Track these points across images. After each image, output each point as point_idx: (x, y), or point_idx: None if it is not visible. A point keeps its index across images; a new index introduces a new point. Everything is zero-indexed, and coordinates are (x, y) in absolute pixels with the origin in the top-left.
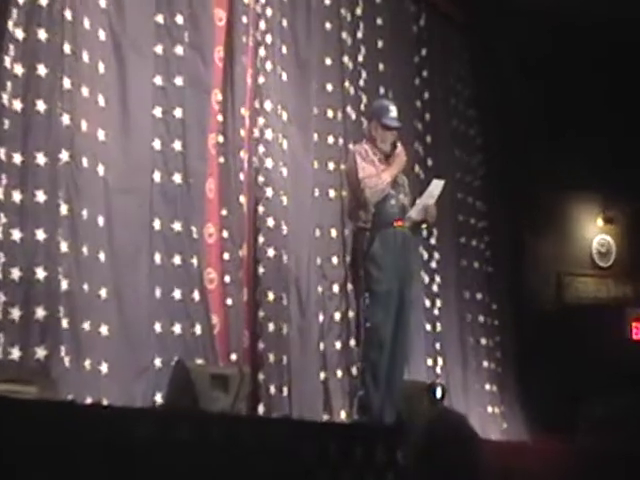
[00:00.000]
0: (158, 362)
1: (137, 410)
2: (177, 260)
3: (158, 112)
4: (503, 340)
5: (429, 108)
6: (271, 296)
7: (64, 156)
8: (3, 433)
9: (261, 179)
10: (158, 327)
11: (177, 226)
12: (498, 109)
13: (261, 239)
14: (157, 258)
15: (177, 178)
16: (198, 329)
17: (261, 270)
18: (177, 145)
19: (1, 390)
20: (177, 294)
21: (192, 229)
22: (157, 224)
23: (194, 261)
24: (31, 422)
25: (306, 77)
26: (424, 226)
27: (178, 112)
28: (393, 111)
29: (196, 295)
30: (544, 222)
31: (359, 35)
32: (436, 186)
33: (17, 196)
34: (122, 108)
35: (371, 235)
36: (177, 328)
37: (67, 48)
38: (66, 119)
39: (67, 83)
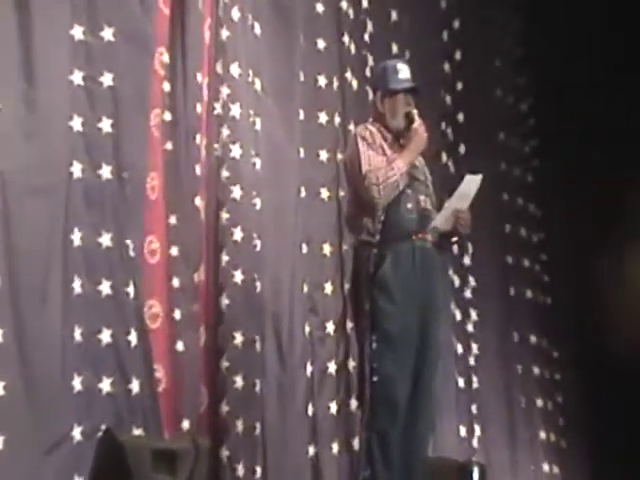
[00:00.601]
0: (77, 433)
1: None
2: (105, 287)
3: (78, 78)
4: (567, 401)
5: (462, 74)
6: (239, 338)
7: None
8: None
9: (225, 174)
10: (77, 383)
11: (105, 239)
12: (563, 75)
13: (225, 258)
14: (76, 285)
15: (105, 172)
16: (135, 385)
17: (225, 302)
18: (105, 125)
19: None
20: (105, 336)
21: (127, 244)
22: (76, 237)
23: (130, 289)
24: None
25: (289, 30)
26: (454, 239)
27: (107, 78)
28: (403, 70)
29: (133, 337)
30: (630, 234)
31: None
32: (471, 184)
33: None
34: (24, 72)
35: (380, 252)
36: (105, 384)
37: None
38: None
39: None
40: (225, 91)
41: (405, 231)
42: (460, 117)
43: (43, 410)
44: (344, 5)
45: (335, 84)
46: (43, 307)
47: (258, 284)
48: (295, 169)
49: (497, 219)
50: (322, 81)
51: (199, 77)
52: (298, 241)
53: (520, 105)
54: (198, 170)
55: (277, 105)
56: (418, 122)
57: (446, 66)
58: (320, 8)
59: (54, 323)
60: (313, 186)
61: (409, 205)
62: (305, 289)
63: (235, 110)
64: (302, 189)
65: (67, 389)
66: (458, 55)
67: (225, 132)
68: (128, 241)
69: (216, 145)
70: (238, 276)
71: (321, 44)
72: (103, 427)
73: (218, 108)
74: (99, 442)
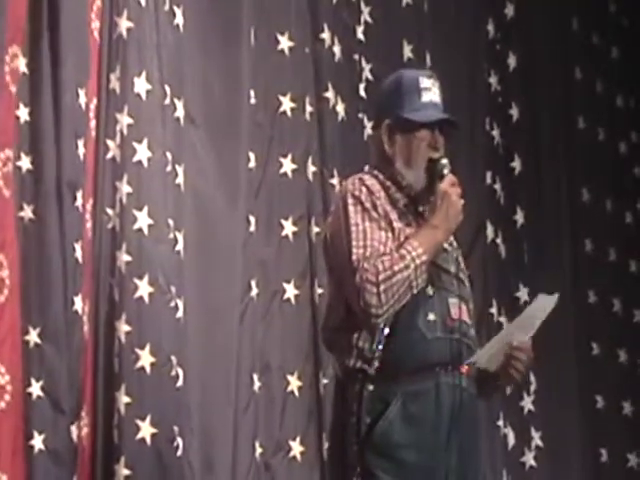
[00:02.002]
0: None
1: None
2: None
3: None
4: None
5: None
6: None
7: None
8: None
9: (126, 258)
10: None
11: None
12: None
13: (124, 330)
14: None
15: None
16: None
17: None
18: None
19: None
20: None
21: None
22: None
23: None
24: None
25: (233, 20)
26: (501, 383)
27: None
28: (431, 88)
29: None
30: None
31: None
32: (543, 306)
33: None
34: None
35: (380, 392)
36: None
37: None
38: None
39: None
40: (125, 120)
41: (425, 360)
42: (514, 114)
43: None
44: None
45: (308, 109)
46: None
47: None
48: (239, 252)
49: (578, 328)
50: (287, 104)
51: (82, 97)
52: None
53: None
54: (79, 253)
55: (212, 144)
56: (450, 179)
57: (489, 27)
58: None
59: None
60: (271, 283)
61: (431, 316)
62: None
63: (142, 152)
64: (251, 220)
65: None
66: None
67: (125, 189)
68: None
69: (110, 211)
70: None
71: (285, 44)
72: None
73: (113, 149)
74: None
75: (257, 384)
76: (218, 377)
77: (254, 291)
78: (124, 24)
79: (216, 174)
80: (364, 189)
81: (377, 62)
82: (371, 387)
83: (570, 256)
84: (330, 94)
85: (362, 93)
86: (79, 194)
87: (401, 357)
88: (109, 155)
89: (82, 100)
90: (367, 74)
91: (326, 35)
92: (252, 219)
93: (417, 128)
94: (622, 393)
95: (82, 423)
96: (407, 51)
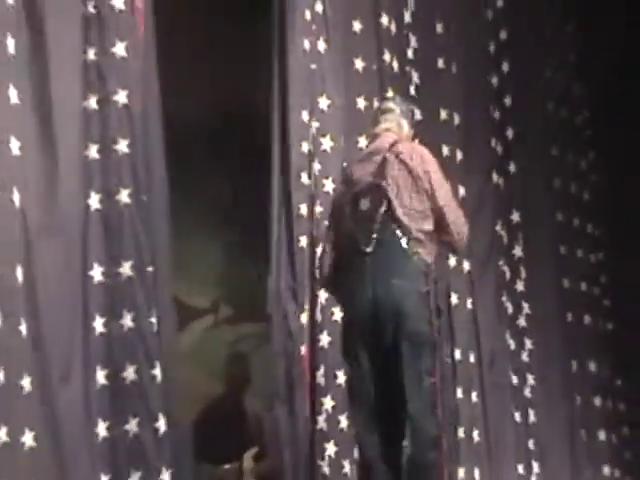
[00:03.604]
0: None
1: None
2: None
3: (93, 102)
4: (635, 434)
5: (510, 86)
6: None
7: None
8: None
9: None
10: (102, 429)
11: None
12: (620, 83)
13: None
14: (97, 323)
15: (124, 196)
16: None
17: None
18: (122, 146)
19: None
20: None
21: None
22: (96, 272)
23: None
24: None
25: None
26: None
27: (121, 96)
28: None
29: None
30: None
31: None
32: None
33: None
34: (42, 102)
35: None
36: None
37: None
38: None
39: None
40: None
41: None
42: (509, 133)
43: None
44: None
45: (375, 105)
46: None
47: None
48: None
49: (552, 240)
50: (361, 103)
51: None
52: None
53: (576, 117)
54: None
55: None
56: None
57: (494, 79)
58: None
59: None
60: None
61: None
62: None
63: None
64: None
65: (93, 436)
66: (506, 67)
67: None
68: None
69: None
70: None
71: (359, 64)
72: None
73: None
74: None
75: None
76: None
77: None
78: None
79: None
80: None
81: (422, 72)
82: None
83: None
84: (390, 95)
85: (413, 93)
86: None
87: None
88: None
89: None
90: (415, 80)
91: (387, 56)
92: None
93: None
94: (586, 309)
95: None
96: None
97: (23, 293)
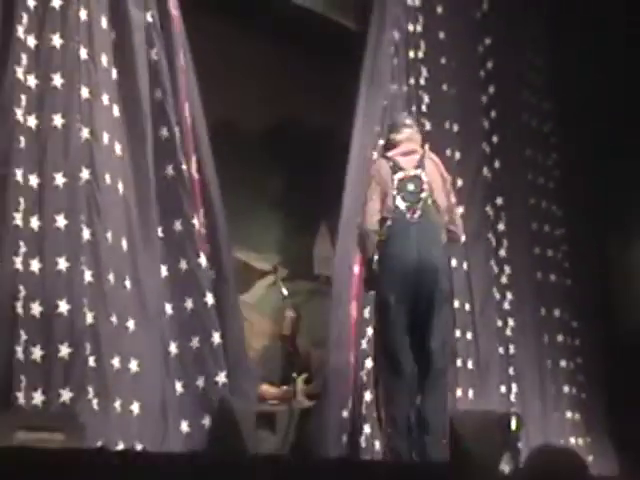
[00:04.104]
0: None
1: (175, 455)
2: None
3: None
4: (586, 362)
5: (495, 103)
6: None
7: (84, 174)
8: None
9: None
10: (174, 347)
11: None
12: (578, 100)
13: None
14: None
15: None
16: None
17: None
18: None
19: (24, 440)
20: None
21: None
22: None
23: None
24: (58, 473)
25: None
26: None
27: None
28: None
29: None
30: (634, 227)
31: None
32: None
33: (35, 222)
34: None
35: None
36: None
37: (84, 53)
38: (85, 132)
39: (85, 92)
40: None
41: None
42: (495, 138)
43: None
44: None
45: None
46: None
47: None
48: None
49: (526, 219)
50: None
51: None
52: None
53: (544, 126)
54: None
55: None
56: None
57: (483, 98)
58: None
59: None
60: None
61: None
62: None
63: None
64: None
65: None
66: (492, 89)
67: None
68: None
69: None
70: None
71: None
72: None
73: None
74: (216, 409)
75: None
76: None
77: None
78: None
79: None
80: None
81: (431, 94)
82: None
83: None
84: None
85: (424, 110)
86: None
87: None
88: None
89: None
90: (426, 100)
91: (404, 84)
92: None
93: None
94: (552, 269)
95: None
96: (444, 87)
97: (129, 258)
